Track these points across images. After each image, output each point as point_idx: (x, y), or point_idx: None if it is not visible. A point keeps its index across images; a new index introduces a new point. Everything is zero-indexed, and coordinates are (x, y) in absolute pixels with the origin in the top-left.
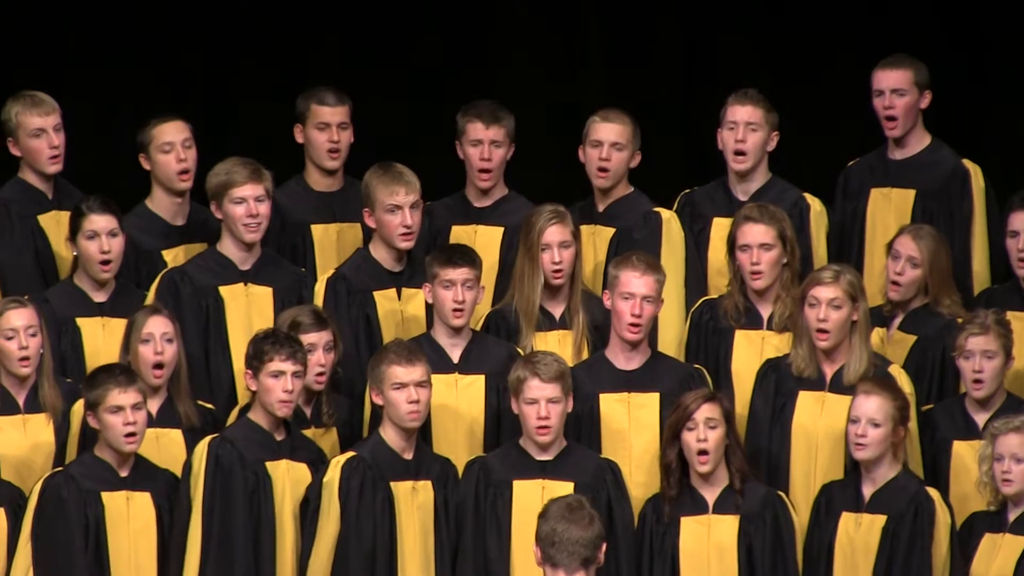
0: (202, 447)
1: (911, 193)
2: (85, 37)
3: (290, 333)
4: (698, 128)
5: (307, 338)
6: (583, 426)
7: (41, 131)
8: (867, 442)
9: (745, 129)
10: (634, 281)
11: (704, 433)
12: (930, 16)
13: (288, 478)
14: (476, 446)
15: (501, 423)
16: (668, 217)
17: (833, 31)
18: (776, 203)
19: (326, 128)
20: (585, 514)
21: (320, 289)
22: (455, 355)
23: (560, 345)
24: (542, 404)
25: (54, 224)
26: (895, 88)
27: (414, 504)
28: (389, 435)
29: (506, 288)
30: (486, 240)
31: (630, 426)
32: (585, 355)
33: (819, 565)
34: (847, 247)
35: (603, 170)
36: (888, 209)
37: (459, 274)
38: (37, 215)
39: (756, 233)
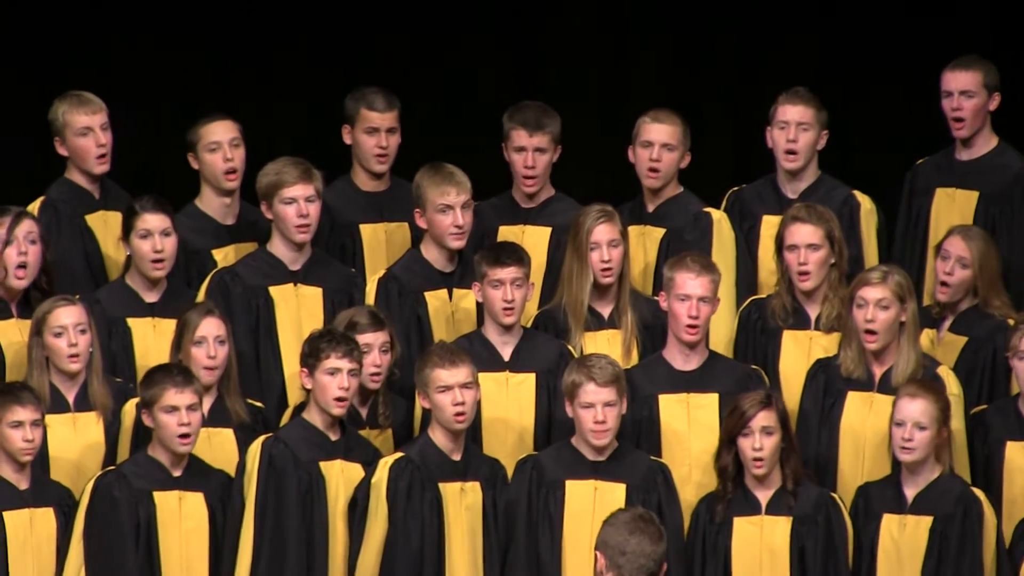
0: (256, 447)
1: (974, 195)
2: (132, 35)
3: (346, 332)
4: (747, 128)
5: (363, 339)
6: (642, 427)
7: (88, 130)
8: (914, 445)
9: (796, 128)
10: (689, 282)
11: (760, 441)
12: (998, 17)
13: (342, 478)
14: (526, 444)
15: (552, 421)
16: (719, 217)
17: (880, 30)
18: (825, 201)
19: (375, 133)
20: (656, 529)
21: (371, 289)
22: (506, 353)
23: (609, 345)
24: (598, 408)
25: (101, 224)
26: (964, 90)
27: (462, 505)
28: (437, 436)
29: (554, 288)
30: (534, 240)
31: (689, 427)
32: (634, 354)
33: (860, 567)
34: (911, 246)
35: (653, 171)
36: (952, 209)
37: (507, 273)
38: (84, 215)
39: (804, 233)
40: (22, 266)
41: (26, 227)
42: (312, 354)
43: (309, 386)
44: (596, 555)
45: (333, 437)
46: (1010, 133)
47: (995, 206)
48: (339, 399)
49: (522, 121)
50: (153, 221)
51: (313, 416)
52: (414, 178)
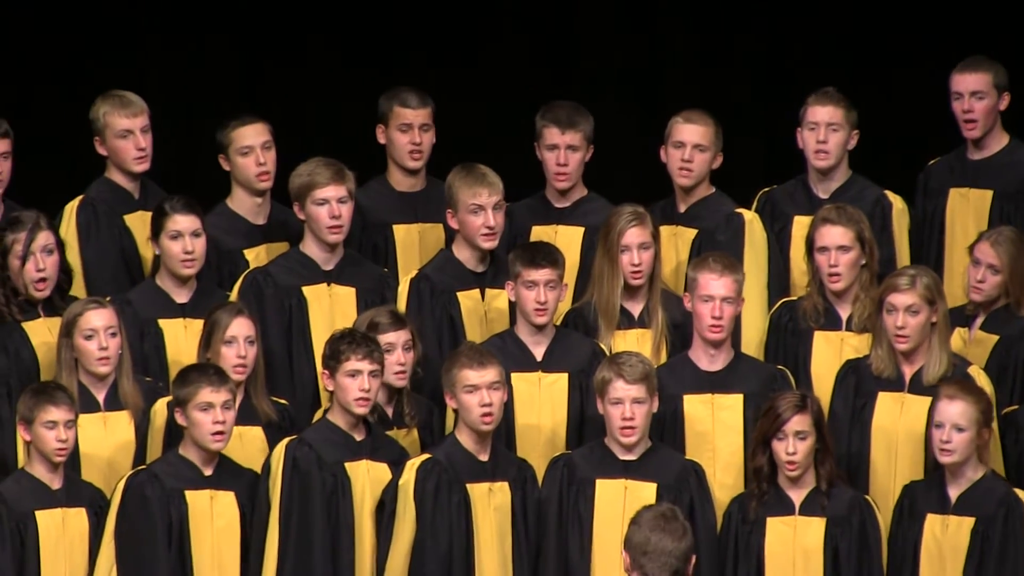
0: (280, 449)
1: (988, 194)
2: (166, 35)
3: (367, 333)
4: (779, 129)
5: (385, 338)
6: (667, 427)
7: (128, 132)
8: (953, 447)
9: (826, 129)
10: (712, 283)
11: (794, 446)
12: (1008, 16)
13: (368, 478)
14: (559, 444)
15: (584, 421)
16: (750, 218)
17: (911, 30)
18: (857, 201)
19: (408, 129)
20: (679, 525)
21: (403, 290)
22: (538, 353)
23: (639, 344)
24: (627, 405)
25: (140, 224)
26: (974, 91)
27: (491, 506)
28: (464, 437)
29: (586, 287)
30: (566, 240)
31: (714, 427)
32: (664, 354)
33: (903, 567)
34: (926, 246)
35: (685, 169)
36: (966, 209)
37: (542, 275)
38: (123, 215)
39: (834, 235)
40: (42, 280)
41: (42, 240)
42: (333, 356)
43: (331, 388)
44: (623, 554)
45: (358, 437)
46: (1022, 131)
47: (1009, 204)
48: (360, 399)
49: (554, 119)
50: (183, 222)
51: (337, 417)
52: (446, 179)
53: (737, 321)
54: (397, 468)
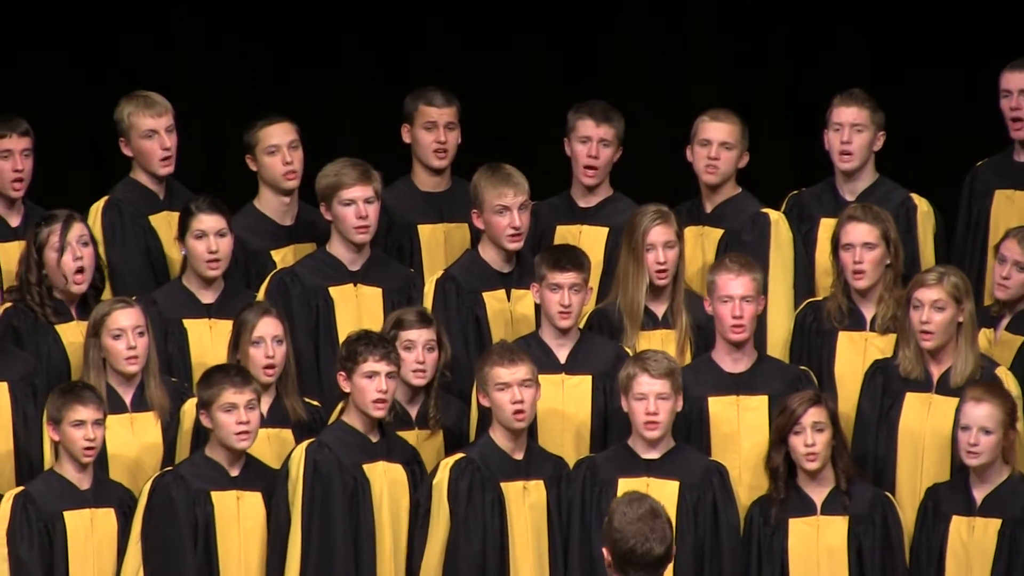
0: (299, 452)
1: None
2: (193, 35)
3: (383, 334)
4: (804, 130)
5: (408, 334)
6: (692, 429)
7: (153, 132)
8: (980, 450)
9: (851, 130)
10: (731, 283)
11: (812, 438)
12: None
13: (385, 479)
14: (583, 446)
15: (608, 423)
16: (776, 219)
17: (941, 30)
18: (883, 203)
19: (433, 128)
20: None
21: (429, 290)
22: (562, 355)
23: (663, 344)
24: (651, 400)
25: (165, 224)
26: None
27: (525, 504)
28: (498, 436)
29: (610, 287)
30: (591, 240)
31: (739, 429)
32: (688, 354)
33: (928, 569)
34: (971, 248)
35: (711, 168)
36: (1011, 211)
37: (567, 278)
38: (148, 215)
39: (859, 232)
40: (80, 271)
41: (77, 231)
42: (349, 357)
43: (347, 389)
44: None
45: (374, 439)
46: None
47: None
48: (377, 401)
49: (589, 112)
50: (208, 222)
51: (353, 419)
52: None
53: (762, 322)
54: (411, 469)
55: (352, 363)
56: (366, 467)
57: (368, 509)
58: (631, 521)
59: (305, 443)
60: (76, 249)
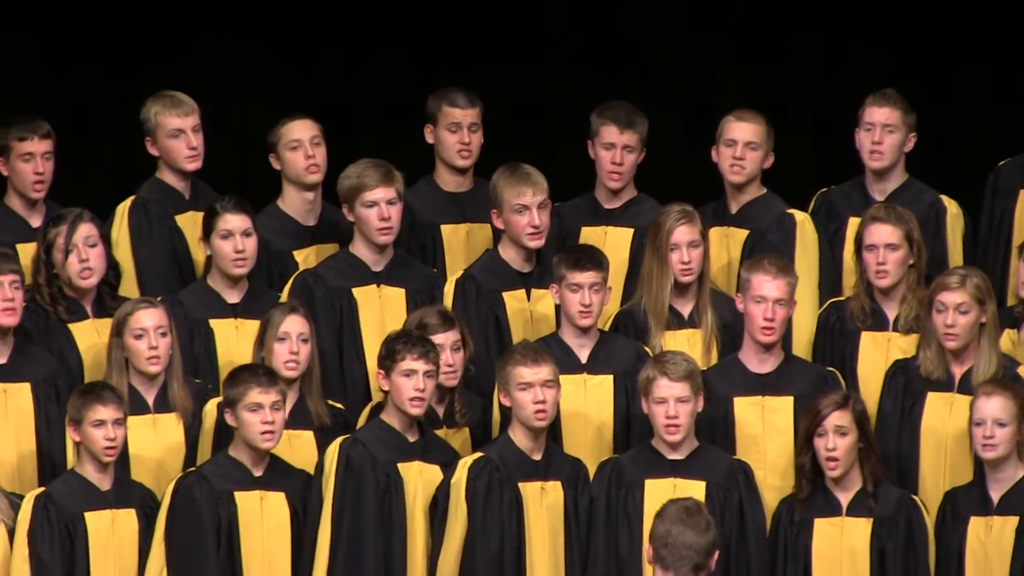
0: (334, 448)
1: None
2: (217, 36)
3: (422, 333)
4: (828, 130)
5: (434, 339)
6: (717, 430)
7: (179, 131)
8: (995, 442)
9: (882, 131)
10: (766, 284)
11: (833, 441)
12: None
13: (420, 479)
14: (605, 446)
15: (630, 423)
16: (802, 219)
17: (966, 30)
18: (912, 204)
19: (457, 129)
20: (702, 520)
21: (449, 290)
22: (583, 355)
23: (689, 344)
24: (671, 403)
25: (191, 224)
26: None
27: (543, 504)
28: (517, 436)
29: (635, 289)
30: (616, 241)
31: (764, 430)
32: (714, 354)
33: (949, 571)
34: (994, 247)
35: (737, 167)
36: None
37: (586, 277)
38: (174, 215)
39: (882, 233)
40: (86, 270)
41: (83, 232)
42: (388, 356)
43: (386, 388)
44: (647, 548)
45: (411, 438)
46: None
47: None
48: (415, 400)
49: (613, 117)
50: (234, 221)
51: (391, 417)
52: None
53: (788, 322)
54: (449, 470)
55: (391, 361)
56: (401, 466)
57: (401, 508)
58: (674, 512)
59: (341, 438)
60: (82, 250)
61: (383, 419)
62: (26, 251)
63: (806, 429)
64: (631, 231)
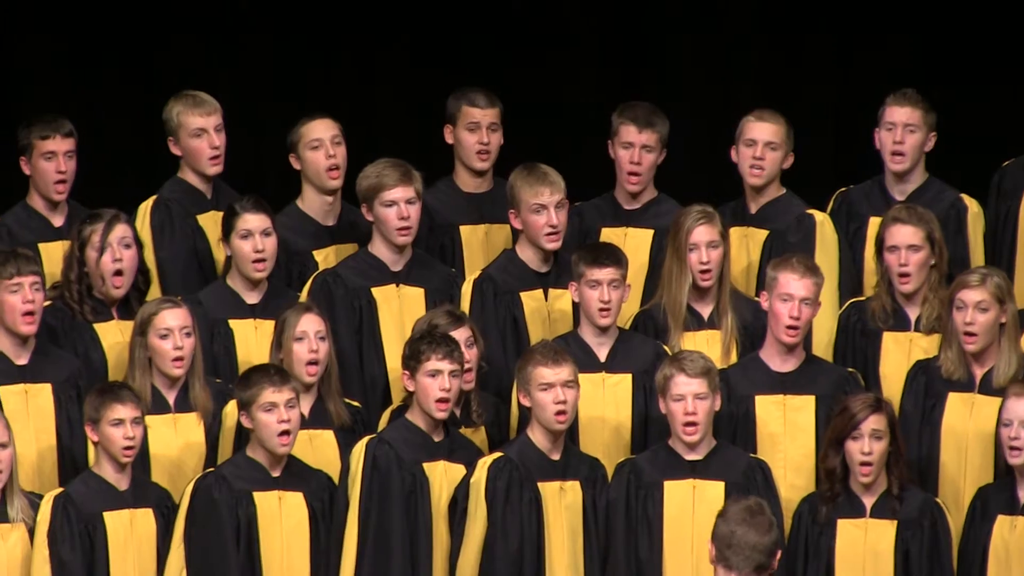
0: (360, 447)
1: None
2: (235, 36)
3: (446, 333)
4: (848, 130)
5: None
6: (738, 428)
7: (202, 131)
8: (1022, 445)
9: (903, 130)
10: (793, 283)
11: (869, 446)
12: None
13: (446, 479)
14: (623, 445)
15: (648, 422)
16: (822, 220)
17: (988, 30)
18: (933, 204)
19: (476, 129)
20: (765, 520)
21: (467, 290)
22: (602, 354)
23: (708, 345)
24: (689, 400)
25: (213, 224)
26: None
27: (562, 504)
28: (537, 436)
29: (655, 289)
30: (636, 242)
31: (785, 429)
32: (734, 355)
33: (972, 568)
34: (999, 247)
35: (756, 168)
36: None
37: (605, 274)
38: (196, 215)
39: (904, 234)
40: (118, 273)
41: (119, 232)
42: (413, 356)
43: (411, 388)
44: (710, 546)
45: (436, 438)
46: None
47: None
48: (441, 400)
49: (632, 117)
50: (253, 221)
51: (416, 417)
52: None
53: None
54: (470, 469)
55: (415, 362)
56: (426, 466)
57: (426, 507)
58: (737, 512)
59: (367, 438)
60: (117, 250)
61: (408, 419)
62: (48, 251)
63: (837, 432)
64: (651, 232)
